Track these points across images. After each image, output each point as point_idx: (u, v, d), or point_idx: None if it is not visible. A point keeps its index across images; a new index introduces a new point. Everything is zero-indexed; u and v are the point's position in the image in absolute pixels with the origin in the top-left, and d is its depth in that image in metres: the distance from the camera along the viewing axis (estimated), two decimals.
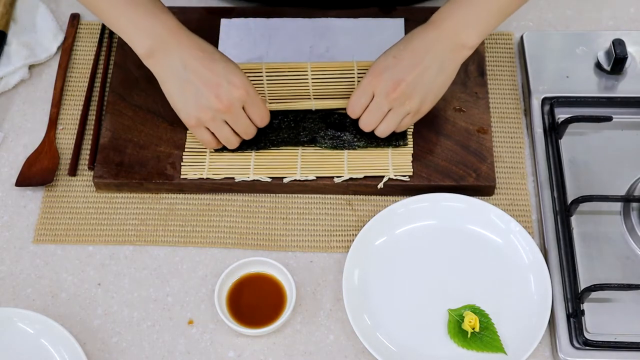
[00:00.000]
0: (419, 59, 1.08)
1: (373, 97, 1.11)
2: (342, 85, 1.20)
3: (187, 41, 1.08)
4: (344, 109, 1.18)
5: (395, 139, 1.18)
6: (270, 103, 1.19)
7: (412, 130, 1.20)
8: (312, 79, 1.20)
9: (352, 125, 1.19)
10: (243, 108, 1.10)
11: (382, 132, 1.14)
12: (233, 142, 1.14)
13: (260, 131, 1.18)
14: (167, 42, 1.07)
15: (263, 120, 1.13)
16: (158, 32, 1.06)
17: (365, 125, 1.14)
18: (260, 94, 1.18)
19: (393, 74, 1.08)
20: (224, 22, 1.31)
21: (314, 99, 1.20)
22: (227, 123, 1.11)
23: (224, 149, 1.18)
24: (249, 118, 1.12)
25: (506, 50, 1.31)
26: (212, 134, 1.13)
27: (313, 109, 1.19)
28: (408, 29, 1.28)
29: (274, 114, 1.19)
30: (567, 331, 1.06)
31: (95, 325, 1.10)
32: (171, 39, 1.07)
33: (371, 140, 1.18)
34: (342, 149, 1.18)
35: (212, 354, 1.07)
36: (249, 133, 1.14)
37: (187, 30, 1.09)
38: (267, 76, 1.20)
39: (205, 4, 1.34)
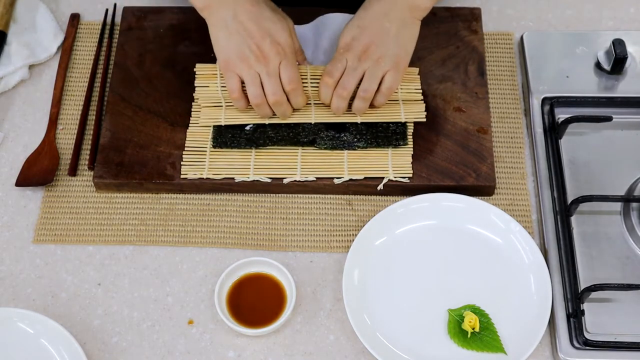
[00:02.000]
0: (380, 22, 1.14)
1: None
2: None
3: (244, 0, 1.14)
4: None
5: (395, 139, 1.18)
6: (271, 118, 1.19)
7: (412, 130, 1.20)
8: (312, 86, 1.20)
9: (352, 125, 1.19)
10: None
11: (366, 90, 1.14)
12: (258, 95, 1.14)
13: (260, 129, 1.18)
14: None
15: (291, 82, 1.13)
16: None
17: (345, 86, 1.14)
18: None
19: (361, 41, 1.14)
20: None
21: (314, 105, 1.19)
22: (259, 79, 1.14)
23: (222, 143, 1.18)
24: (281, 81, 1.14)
25: (506, 50, 1.31)
26: (241, 86, 1.14)
27: (312, 122, 1.19)
28: None
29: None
30: (567, 331, 1.06)
31: (95, 325, 1.10)
32: None
33: (371, 140, 1.18)
34: (342, 150, 1.18)
35: (212, 354, 1.08)
36: (276, 93, 1.13)
37: None
38: None
39: None
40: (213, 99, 1.20)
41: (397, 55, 1.14)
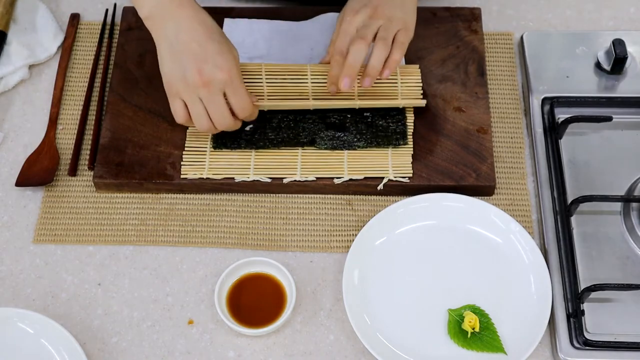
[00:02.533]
0: None
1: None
2: None
3: (189, 12, 1.07)
4: (343, 109, 1.19)
5: (395, 139, 1.18)
6: (269, 100, 1.19)
7: (412, 130, 1.20)
8: (312, 82, 1.20)
9: (352, 125, 1.19)
10: (225, 96, 1.08)
11: (385, 37, 1.12)
12: (204, 123, 1.10)
13: (260, 130, 1.18)
14: (167, 9, 1.07)
15: (244, 110, 1.10)
16: None
17: (363, 36, 1.12)
18: (259, 95, 1.19)
19: (368, 7, 1.14)
20: (227, 21, 1.30)
21: (313, 99, 1.19)
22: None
23: (222, 145, 1.18)
24: (231, 107, 1.10)
25: (506, 50, 1.31)
26: (186, 110, 1.10)
27: (311, 108, 1.19)
28: None
29: (273, 112, 1.19)
30: (567, 331, 1.06)
31: (95, 325, 1.10)
32: (173, 6, 1.07)
33: (371, 140, 1.18)
34: (342, 150, 1.18)
35: (212, 354, 1.08)
36: (222, 121, 1.10)
37: (194, 3, 1.09)
38: (266, 78, 1.20)
39: (205, 4, 1.34)
40: None
41: (404, 20, 1.15)
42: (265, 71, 1.20)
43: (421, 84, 1.21)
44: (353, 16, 1.14)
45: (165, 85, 1.10)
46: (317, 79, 1.20)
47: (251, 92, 1.16)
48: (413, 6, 1.17)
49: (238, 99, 1.09)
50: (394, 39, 1.14)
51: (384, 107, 1.19)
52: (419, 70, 1.22)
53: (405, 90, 1.20)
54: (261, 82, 1.20)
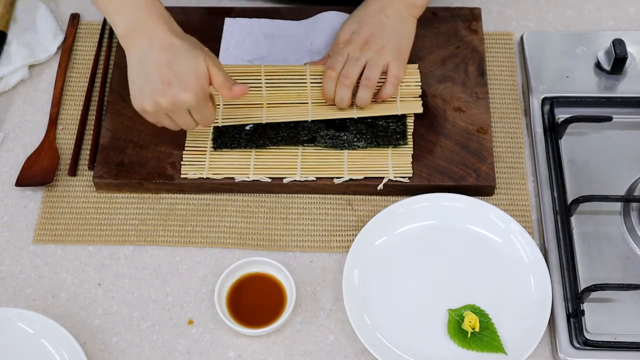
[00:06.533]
0: (379, 17, 1.17)
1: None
2: None
3: (162, 31, 1.06)
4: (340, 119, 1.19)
5: (395, 139, 1.18)
6: (268, 107, 1.19)
7: (412, 130, 1.20)
8: (311, 82, 1.20)
9: (352, 124, 1.19)
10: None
11: (369, 77, 1.15)
12: (174, 128, 1.11)
13: (260, 129, 1.18)
14: (142, 27, 1.06)
15: (206, 121, 1.10)
16: (137, 16, 1.06)
17: (348, 75, 1.15)
18: (258, 96, 1.19)
19: (361, 35, 1.17)
20: (227, 21, 1.31)
21: (312, 104, 1.19)
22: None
23: (222, 144, 1.18)
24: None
25: (506, 50, 1.31)
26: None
27: (309, 119, 1.19)
28: None
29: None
30: (567, 331, 1.06)
31: (95, 325, 1.10)
32: (148, 23, 1.06)
33: (371, 140, 1.18)
34: (342, 149, 1.18)
35: (212, 354, 1.08)
36: (190, 127, 1.11)
37: (169, 20, 1.07)
38: (265, 80, 1.20)
39: (205, 4, 1.34)
40: None
41: (398, 47, 1.16)
42: (265, 73, 1.20)
43: (420, 84, 1.21)
44: (345, 45, 1.17)
45: (132, 101, 1.08)
46: (317, 80, 1.19)
47: (251, 94, 1.17)
48: (408, 32, 1.18)
49: (202, 116, 1.09)
50: (387, 72, 1.16)
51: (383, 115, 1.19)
52: (418, 70, 1.22)
53: (404, 90, 1.20)
54: (260, 85, 1.20)
